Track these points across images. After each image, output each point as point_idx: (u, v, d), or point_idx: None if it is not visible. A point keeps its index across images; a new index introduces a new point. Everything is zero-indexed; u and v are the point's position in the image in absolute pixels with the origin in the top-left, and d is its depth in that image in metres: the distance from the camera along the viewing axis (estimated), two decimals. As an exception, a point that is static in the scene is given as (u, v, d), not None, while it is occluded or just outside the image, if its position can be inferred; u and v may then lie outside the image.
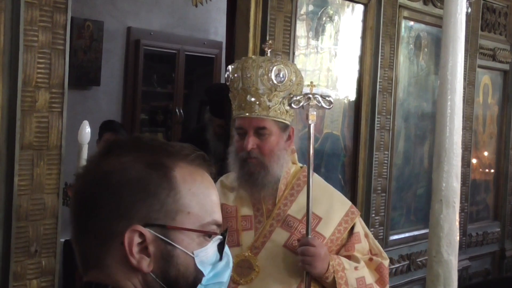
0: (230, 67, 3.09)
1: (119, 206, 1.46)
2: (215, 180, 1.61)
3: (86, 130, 3.29)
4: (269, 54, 3.17)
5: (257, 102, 2.98)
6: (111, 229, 1.46)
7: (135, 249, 1.45)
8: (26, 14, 3.19)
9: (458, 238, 1.96)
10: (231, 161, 3.10)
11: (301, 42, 4.79)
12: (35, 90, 3.26)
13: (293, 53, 4.63)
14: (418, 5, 5.84)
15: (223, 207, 2.96)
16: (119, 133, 5.70)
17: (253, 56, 3.17)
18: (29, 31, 3.21)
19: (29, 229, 3.26)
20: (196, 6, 4.09)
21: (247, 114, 3.00)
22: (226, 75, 3.11)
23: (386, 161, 5.61)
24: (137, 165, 1.48)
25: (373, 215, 5.46)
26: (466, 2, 1.95)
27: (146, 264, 1.46)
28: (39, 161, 3.28)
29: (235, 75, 3.05)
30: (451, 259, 1.94)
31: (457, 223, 1.97)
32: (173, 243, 1.47)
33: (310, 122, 3.01)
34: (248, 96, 3.00)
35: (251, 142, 2.99)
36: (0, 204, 3.17)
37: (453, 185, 1.93)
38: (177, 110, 8.20)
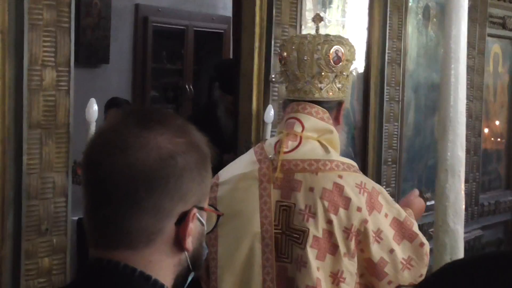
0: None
1: (181, 188, 1.49)
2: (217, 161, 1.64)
3: (94, 108, 3.29)
4: (320, 28, 3.12)
5: None
6: (170, 209, 1.49)
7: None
8: (30, -8, 3.19)
9: (464, 207, 1.97)
10: (341, 139, 3.01)
11: (308, 14, 4.76)
12: (41, 69, 3.26)
13: (300, 26, 4.61)
14: (426, -25, 5.80)
15: None
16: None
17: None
18: (33, 9, 3.20)
19: (39, 207, 3.28)
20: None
21: None
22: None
23: (396, 133, 5.60)
24: (191, 149, 1.52)
25: (384, 187, 5.44)
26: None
27: (190, 245, 1.52)
28: (47, 140, 3.29)
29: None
30: (457, 228, 1.95)
31: (463, 192, 1.97)
32: (205, 224, 1.56)
33: None
34: None
35: None
36: (10, 183, 3.18)
37: (458, 154, 1.92)
38: (187, 87, 8.20)
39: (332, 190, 2.73)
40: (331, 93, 2.90)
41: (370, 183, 2.83)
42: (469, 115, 6.50)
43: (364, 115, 5.38)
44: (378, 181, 5.40)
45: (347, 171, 2.80)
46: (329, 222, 2.70)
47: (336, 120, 2.95)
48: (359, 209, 2.71)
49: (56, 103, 3.32)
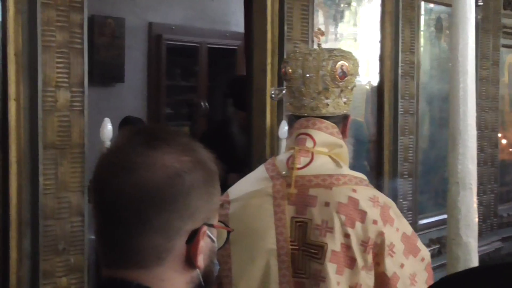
0: None
1: (189, 206, 1.50)
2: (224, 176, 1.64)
3: (108, 127, 3.32)
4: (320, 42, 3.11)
5: None
6: (179, 227, 1.49)
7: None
8: (42, 14, 3.23)
9: (476, 220, 1.96)
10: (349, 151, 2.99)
11: (321, 29, 4.78)
12: (55, 90, 3.30)
13: (312, 41, 4.63)
14: (437, -13, 5.81)
15: None
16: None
17: None
18: (46, 31, 3.25)
19: (56, 227, 3.31)
20: (213, -1, 4.10)
21: None
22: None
23: (411, 146, 5.59)
24: (198, 167, 1.52)
25: (401, 200, 5.45)
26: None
27: (202, 262, 1.52)
28: (62, 160, 3.32)
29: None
30: (470, 241, 1.94)
31: (475, 205, 1.97)
32: (215, 241, 1.56)
33: None
34: None
35: None
36: (27, 204, 3.21)
37: (468, 167, 1.92)
38: (202, 103, 8.21)
39: (347, 204, 2.72)
40: (337, 109, 2.91)
41: (382, 197, 2.83)
42: (485, 126, 6.49)
43: (379, 128, 5.38)
44: (395, 194, 5.39)
45: (360, 185, 2.80)
46: (347, 236, 2.69)
47: (343, 134, 2.95)
48: (375, 222, 2.71)
49: (70, 123, 3.35)
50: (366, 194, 2.77)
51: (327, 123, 2.88)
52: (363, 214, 2.71)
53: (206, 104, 8.19)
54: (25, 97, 3.19)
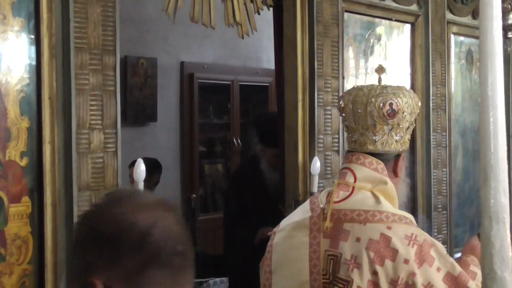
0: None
1: None
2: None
3: (141, 168, 3.33)
4: (382, 78, 3.05)
5: None
6: None
7: None
8: (76, 58, 3.28)
9: (510, 254, 1.94)
10: (403, 191, 2.98)
11: (350, 63, 4.81)
12: (89, 132, 3.34)
13: (343, 77, 4.65)
14: (466, 20, 5.81)
15: None
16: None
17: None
18: (80, 75, 3.30)
19: (91, 268, 3.32)
20: (243, 38, 4.14)
21: None
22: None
23: (444, 178, 5.57)
24: None
25: (435, 234, 5.42)
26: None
27: None
28: (97, 201, 3.35)
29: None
30: (505, 276, 1.91)
31: (509, 239, 1.95)
32: None
33: None
34: None
35: None
36: (62, 246, 3.24)
37: (501, 201, 1.90)
38: (234, 140, 8.26)
39: (378, 241, 2.68)
40: (386, 146, 2.87)
41: (422, 236, 2.76)
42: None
43: (411, 161, 5.36)
44: (429, 228, 5.36)
45: (397, 223, 2.75)
46: (375, 273, 2.66)
47: (394, 172, 2.89)
48: (406, 261, 2.66)
49: (104, 164, 3.39)
50: (402, 232, 2.71)
51: (372, 158, 2.85)
52: (394, 253, 2.67)
53: (239, 141, 8.23)
54: (60, 140, 3.23)
